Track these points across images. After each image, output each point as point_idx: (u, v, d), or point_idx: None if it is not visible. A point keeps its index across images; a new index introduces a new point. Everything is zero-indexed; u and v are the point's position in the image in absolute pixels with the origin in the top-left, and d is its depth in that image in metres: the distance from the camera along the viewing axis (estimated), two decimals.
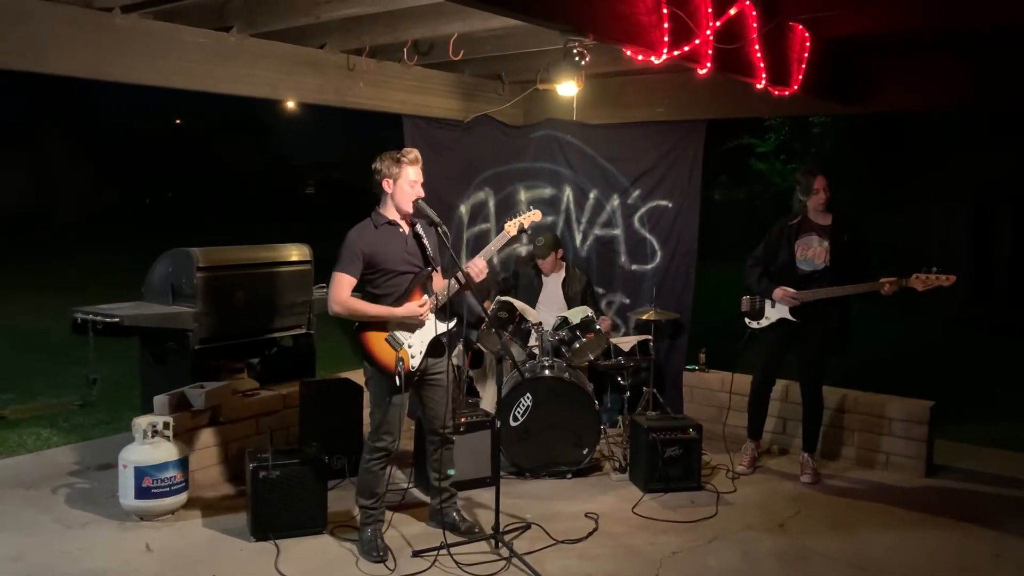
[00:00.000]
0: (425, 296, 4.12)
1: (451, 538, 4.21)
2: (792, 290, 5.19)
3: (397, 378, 3.97)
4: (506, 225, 4.27)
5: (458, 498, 4.59)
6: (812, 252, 5.24)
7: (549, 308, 6.01)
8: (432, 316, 4.13)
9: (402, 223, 4.14)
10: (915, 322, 11.17)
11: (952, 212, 13.19)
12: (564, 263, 6.20)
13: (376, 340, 4.04)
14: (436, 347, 4.19)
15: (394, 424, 4.13)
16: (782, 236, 5.34)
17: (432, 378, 4.26)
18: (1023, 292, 12.37)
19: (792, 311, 5.24)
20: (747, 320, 5.46)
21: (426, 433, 4.47)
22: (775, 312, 5.32)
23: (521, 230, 4.29)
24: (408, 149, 4.11)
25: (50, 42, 4.13)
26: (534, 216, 4.34)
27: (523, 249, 6.70)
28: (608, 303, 6.60)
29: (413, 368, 4.08)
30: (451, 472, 4.47)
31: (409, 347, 4.06)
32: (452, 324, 4.21)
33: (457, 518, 4.47)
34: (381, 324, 4.06)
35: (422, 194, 4.09)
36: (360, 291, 4.14)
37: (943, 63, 5.30)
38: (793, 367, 5.44)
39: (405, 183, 4.04)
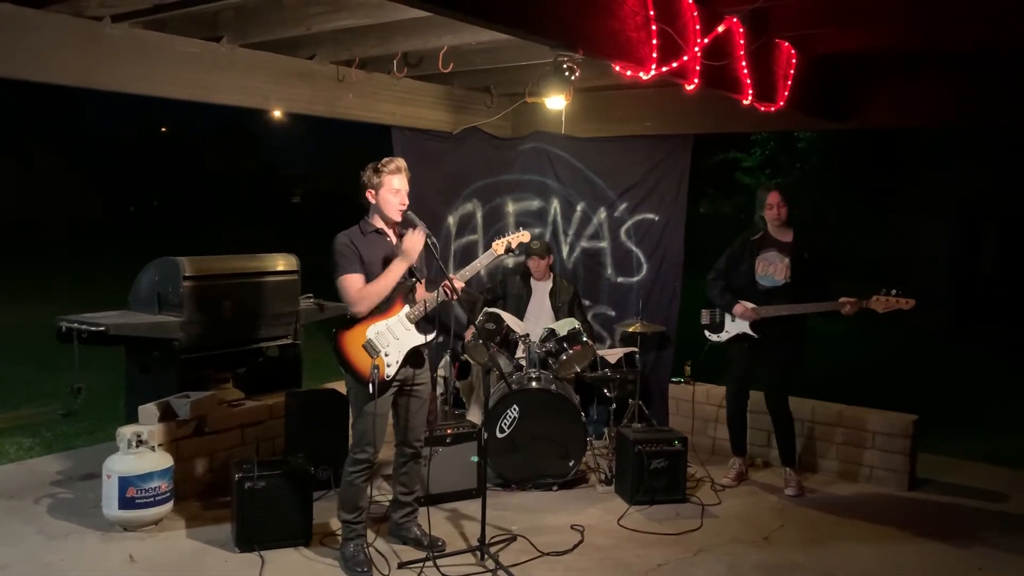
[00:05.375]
0: (422, 233, 4.04)
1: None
2: (752, 305, 5.23)
3: (371, 385, 3.94)
4: (494, 244, 4.31)
5: (443, 510, 4.56)
6: (773, 268, 5.28)
7: (537, 319, 6.01)
8: (412, 327, 4.10)
9: (389, 232, 4.15)
10: (898, 337, 11.25)
11: (937, 227, 13.30)
12: (552, 273, 6.22)
13: (354, 346, 4.00)
14: (416, 358, 4.16)
15: (373, 435, 4.07)
16: (744, 251, 5.39)
17: (413, 389, 4.23)
18: (1007, 309, 12.47)
19: (752, 326, 5.27)
20: (707, 333, 5.51)
21: (396, 444, 4.40)
22: (735, 326, 5.36)
23: (508, 249, 4.33)
24: (389, 159, 4.10)
25: (41, 50, 4.13)
26: (523, 237, 4.38)
27: (510, 261, 6.72)
28: (594, 315, 6.63)
29: (388, 376, 4.03)
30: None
31: (386, 355, 4.02)
32: (432, 337, 4.17)
33: (419, 533, 4.40)
34: (360, 330, 4.02)
35: (407, 203, 4.09)
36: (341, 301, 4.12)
37: (927, 81, 5.36)
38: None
39: (388, 192, 4.05)
